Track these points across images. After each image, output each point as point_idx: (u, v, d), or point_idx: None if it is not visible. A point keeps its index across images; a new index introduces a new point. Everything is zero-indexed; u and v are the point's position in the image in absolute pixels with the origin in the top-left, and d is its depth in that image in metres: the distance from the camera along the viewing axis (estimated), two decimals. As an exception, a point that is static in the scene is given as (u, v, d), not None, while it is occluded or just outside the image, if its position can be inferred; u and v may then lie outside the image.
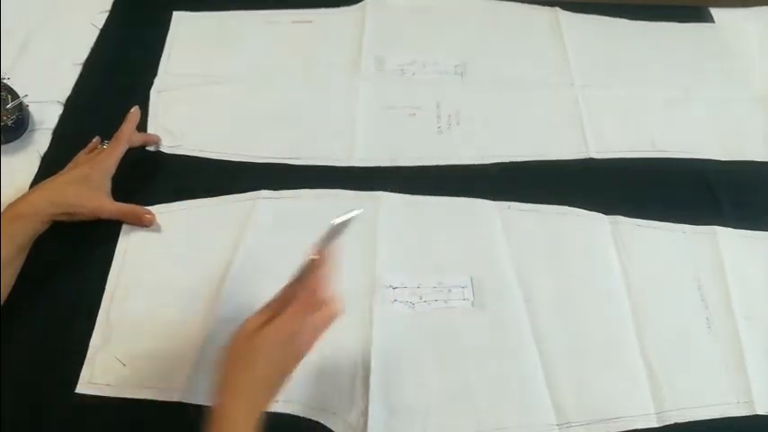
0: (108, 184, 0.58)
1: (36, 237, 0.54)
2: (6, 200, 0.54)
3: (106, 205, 0.56)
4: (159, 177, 0.62)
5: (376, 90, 0.70)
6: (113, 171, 0.58)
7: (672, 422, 0.50)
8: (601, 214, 0.61)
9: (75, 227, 0.56)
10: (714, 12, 0.81)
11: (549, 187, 0.62)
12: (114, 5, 0.77)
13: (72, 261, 0.56)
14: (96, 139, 0.62)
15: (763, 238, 0.61)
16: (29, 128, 0.64)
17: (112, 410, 0.48)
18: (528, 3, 0.80)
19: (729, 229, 0.61)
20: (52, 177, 0.56)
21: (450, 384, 0.51)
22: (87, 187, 0.56)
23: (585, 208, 0.61)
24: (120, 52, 0.73)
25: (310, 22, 0.76)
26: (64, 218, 0.55)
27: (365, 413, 0.49)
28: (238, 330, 0.41)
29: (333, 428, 0.48)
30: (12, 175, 0.60)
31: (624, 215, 0.61)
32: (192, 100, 0.69)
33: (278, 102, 0.69)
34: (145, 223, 0.57)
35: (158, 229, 0.58)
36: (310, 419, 0.48)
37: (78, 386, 0.49)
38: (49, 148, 0.64)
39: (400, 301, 0.55)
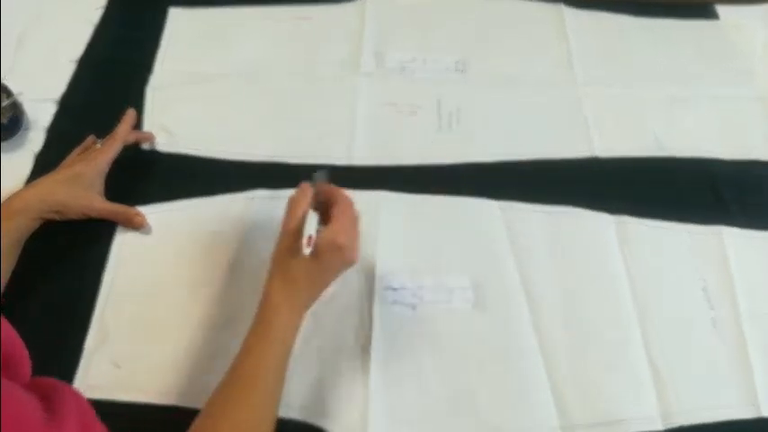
0: (100, 184, 0.57)
1: (27, 234, 0.54)
2: (1, 199, 0.53)
3: (97, 204, 0.56)
4: (155, 176, 0.62)
5: (376, 87, 0.69)
6: (106, 170, 0.58)
7: (677, 425, 0.50)
8: (605, 214, 0.61)
9: (70, 227, 0.56)
10: (719, 8, 0.81)
11: (552, 186, 0.62)
12: (109, 2, 0.76)
13: (67, 262, 0.56)
14: (91, 138, 0.61)
15: (769, 237, 0.61)
16: (23, 126, 0.64)
17: (107, 413, 0.47)
18: (531, -1, 0.79)
19: (735, 228, 0.61)
20: (45, 176, 0.56)
21: (452, 386, 0.50)
22: (79, 186, 0.55)
23: (590, 207, 0.61)
24: (115, 49, 0.72)
25: (309, 18, 0.75)
26: (54, 216, 0.55)
27: (365, 416, 0.48)
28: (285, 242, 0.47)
29: (332, 431, 0.48)
30: (6, 174, 0.59)
31: (629, 215, 0.61)
32: (189, 97, 0.68)
33: (276, 99, 0.68)
34: (135, 225, 0.57)
35: (154, 229, 0.58)
36: (310, 423, 0.48)
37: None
38: (44, 146, 0.63)
39: (401, 303, 0.54)
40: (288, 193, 0.60)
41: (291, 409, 0.48)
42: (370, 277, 0.55)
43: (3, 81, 0.62)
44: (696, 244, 0.59)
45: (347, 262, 0.47)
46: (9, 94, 0.61)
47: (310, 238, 0.45)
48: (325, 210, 0.48)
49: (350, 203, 0.48)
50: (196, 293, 0.54)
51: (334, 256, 0.46)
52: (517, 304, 0.54)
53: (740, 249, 0.59)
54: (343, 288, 0.54)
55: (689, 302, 0.56)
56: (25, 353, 0.29)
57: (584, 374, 0.52)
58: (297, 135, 0.65)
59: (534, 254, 0.57)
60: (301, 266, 0.46)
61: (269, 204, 0.59)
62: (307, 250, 0.44)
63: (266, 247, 0.56)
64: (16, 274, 0.53)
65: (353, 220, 0.48)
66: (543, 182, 0.63)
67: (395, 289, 0.55)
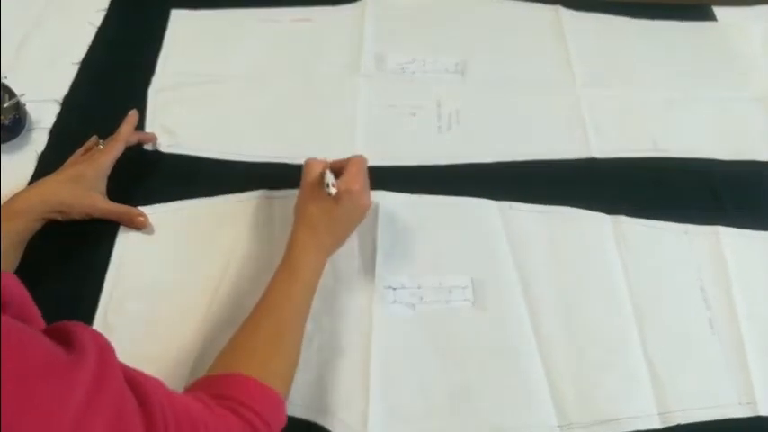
0: (102, 184, 0.58)
1: (30, 235, 0.54)
2: (4, 199, 0.54)
3: (99, 205, 0.56)
4: (158, 177, 0.62)
5: (376, 89, 0.70)
6: (108, 171, 0.58)
7: (674, 423, 0.50)
8: (603, 214, 0.61)
9: (73, 227, 0.56)
10: (717, 10, 0.81)
11: (550, 187, 0.62)
12: (112, 4, 0.76)
13: (70, 262, 0.56)
14: (93, 139, 0.61)
15: (766, 237, 0.61)
16: (26, 127, 0.64)
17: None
18: (529, 1, 0.79)
19: (732, 228, 0.61)
20: (47, 176, 0.56)
21: (451, 385, 0.51)
22: (81, 186, 0.55)
23: (587, 208, 0.61)
24: (117, 51, 0.72)
25: (310, 20, 0.76)
26: (57, 216, 0.55)
27: (365, 414, 0.48)
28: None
29: (333, 430, 0.48)
30: (9, 175, 0.59)
31: (626, 215, 0.61)
32: (191, 99, 0.68)
33: (277, 101, 0.68)
34: (137, 225, 0.57)
35: (157, 230, 0.58)
36: (310, 421, 0.48)
37: (76, 388, 0.49)
38: (47, 147, 0.63)
39: (400, 302, 0.54)
40: (288, 193, 0.61)
41: (293, 407, 0.48)
42: (369, 277, 0.55)
43: (5, 82, 0.62)
44: (693, 244, 0.59)
45: (362, 206, 0.54)
46: (12, 94, 0.61)
47: (333, 184, 0.50)
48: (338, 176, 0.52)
49: (359, 157, 0.54)
50: (198, 293, 0.54)
51: (349, 201, 0.52)
52: (516, 304, 0.55)
53: (737, 249, 0.59)
54: (343, 288, 0.54)
55: (686, 302, 0.56)
56: (36, 308, 0.30)
57: (582, 373, 0.52)
58: (297, 136, 0.65)
59: (533, 254, 0.58)
60: (322, 212, 0.51)
61: (270, 205, 0.60)
62: (332, 190, 0.50)
63: (267, 247, 0.57)
64: (19, 275, 0.52)
65: (363, 170, 0.53)
66: (541, 182, 0.63)
67: (394, 288, 0.55)
